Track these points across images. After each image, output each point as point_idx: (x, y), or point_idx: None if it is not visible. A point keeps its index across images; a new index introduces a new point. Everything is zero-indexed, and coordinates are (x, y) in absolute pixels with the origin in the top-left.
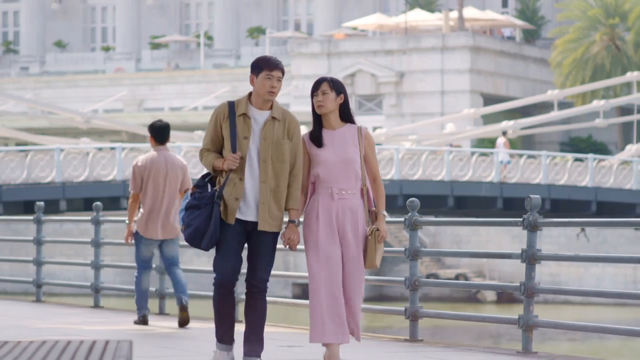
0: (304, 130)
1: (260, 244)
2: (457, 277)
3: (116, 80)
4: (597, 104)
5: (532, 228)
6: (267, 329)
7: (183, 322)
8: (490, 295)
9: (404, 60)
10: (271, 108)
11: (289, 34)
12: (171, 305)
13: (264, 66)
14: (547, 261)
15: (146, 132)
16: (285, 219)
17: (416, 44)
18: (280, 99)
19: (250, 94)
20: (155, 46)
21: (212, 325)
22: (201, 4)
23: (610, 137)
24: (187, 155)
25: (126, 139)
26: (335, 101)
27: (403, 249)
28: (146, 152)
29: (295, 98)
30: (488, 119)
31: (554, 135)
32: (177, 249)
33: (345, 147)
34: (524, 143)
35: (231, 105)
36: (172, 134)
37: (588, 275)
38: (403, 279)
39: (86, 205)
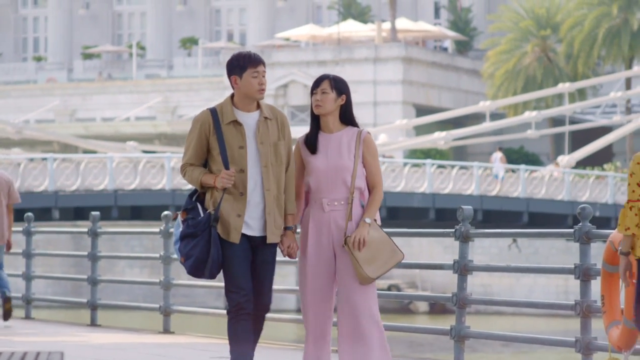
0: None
1: (265, 262)
2: (389, 288)
3: (48, 91)
4: (529, 115)
5: (464, 239)
6: (198, 340)
7: (7, 313)
8: (423, 306)
9: (337, 71)
10: (258, 107)
11: (221, 45)
12: (103, 316)
13: (247, 64)
14: (479, 272)
15: (79, 143)
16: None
17: (349, 54)
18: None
19: (232, 97)
20: (88, 56)
21: (141, 336)
22: (133, 14)
23: (542, 148)
24: (119, 165)
25: (58, 149)
26: (335, 102)
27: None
28: (78, 162)
29: None
30: (420, 130)
31: (486, 146)
32: (2, 254)
33: (339, 154)
34: (456, 154)
35: (214, 114)
36: (104, 144)
37: (520, 286)
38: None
39: (18, 216)
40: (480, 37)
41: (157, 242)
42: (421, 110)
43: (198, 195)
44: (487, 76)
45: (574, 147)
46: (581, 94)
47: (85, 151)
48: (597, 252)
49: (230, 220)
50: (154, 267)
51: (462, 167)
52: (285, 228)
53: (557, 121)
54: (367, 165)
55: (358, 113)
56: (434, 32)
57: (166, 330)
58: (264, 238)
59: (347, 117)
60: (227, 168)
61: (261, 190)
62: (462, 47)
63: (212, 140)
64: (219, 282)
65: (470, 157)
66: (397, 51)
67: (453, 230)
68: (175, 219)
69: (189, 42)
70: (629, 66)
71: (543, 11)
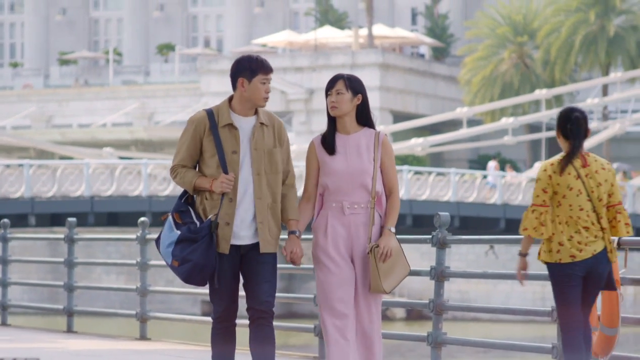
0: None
1: (259, 266)
2: None
3: (24, 97)
4: (506, 121)
5: (441, 245)
6: (175, 346)
7: None
8: (400, 312)
9: (314, 78)
10: (255, 112)
11: (198, 51)
12: (79, 323)
13: (259, 69)
14: (456, 278)
15: (55, 149)
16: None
17: (326, 61)
18: (189, 116)
19: (230, 100)
20: (64, 62)
21: (117, 342)
22: (110, 20)
23: (519, 154)
24: (96, 172)
25: (34, 155)
26: (351, 102)
27: (312, 266)
28: (55, 169)
29: None
30: (397, 136)
31: (462, 153)
32: None
33: (359, 156)
34: (433, 160)
35: (210, 115)
36: (81, 150)
37: (496, 293)
38: (312, 296)
39: None
40: (457, 44)
41: (134, 248)
42: (398, 117)
43: (187, 198)
44: (464, 82)
45: (551, 153)
46: (558, 101)
47: (62, 157)
48: None
49: (219, 229)
50: (131, 274)
51: (439, 174)
52: (290, 233)
53: (534, 127)
54: (385, 168)
55: None
56: (411, 38)
57: (143, 337)
58: (255, 245)
59: (364, 117)
60: (225, 172)
61: (252, 198)
62: (439, 54)
63: (206, 143)
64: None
65: (448, 163)
66: (374, 57)
67: (430, 236)
68: (164, 219)
69: (166, 49)
70: (606, 73)
71: (520, 17)
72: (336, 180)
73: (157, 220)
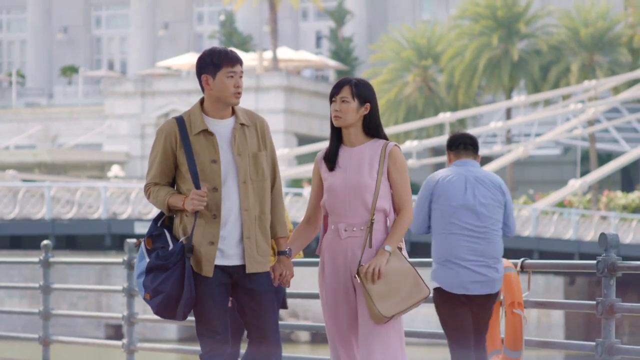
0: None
1: (255, 291)
2: None
3: None
4: (410, 144)
5: None
6: None
7: None
8: (304, 335)
9: None
10: (233, 113)
11: (102, 73)
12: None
13: (222, 62)
14: None
15: None
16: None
17: None
18: (92, 138)
19: (201, 103)
20: None
21: None
22: (13, 42)
23: (423, 177)
24: None
25: None
26: (357, 112)
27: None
28: None
29: (108, 137)
30: (302, 159)
31: None
32: None
33: (360, 170)
34: None
35: (181, 123)
36: None
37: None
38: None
39: None
40: (361, 67)
41: (37, 271)
42: (303, 140)
43: (164, 220)
44: None
45: None
46: (462, 124)
47: None
48: None
49: (202, 250)
50: (34, 297)
51: None
52: (279, 253)
53: (438, 151)
54: (394, 183)
55: None
56: (315, 61)
57: None
58: (243, 268)
59: (372, 128)
60: (197, 187)
61: (238, 210)
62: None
63: (180, 155)
64: (99, 311)
65: None
66: (278, 80)
67: None
68: (137, 246)
69: (70, 71)
70: (509, 96)
71: (424, 41)
72: (332, 199)
73: (61, 243)
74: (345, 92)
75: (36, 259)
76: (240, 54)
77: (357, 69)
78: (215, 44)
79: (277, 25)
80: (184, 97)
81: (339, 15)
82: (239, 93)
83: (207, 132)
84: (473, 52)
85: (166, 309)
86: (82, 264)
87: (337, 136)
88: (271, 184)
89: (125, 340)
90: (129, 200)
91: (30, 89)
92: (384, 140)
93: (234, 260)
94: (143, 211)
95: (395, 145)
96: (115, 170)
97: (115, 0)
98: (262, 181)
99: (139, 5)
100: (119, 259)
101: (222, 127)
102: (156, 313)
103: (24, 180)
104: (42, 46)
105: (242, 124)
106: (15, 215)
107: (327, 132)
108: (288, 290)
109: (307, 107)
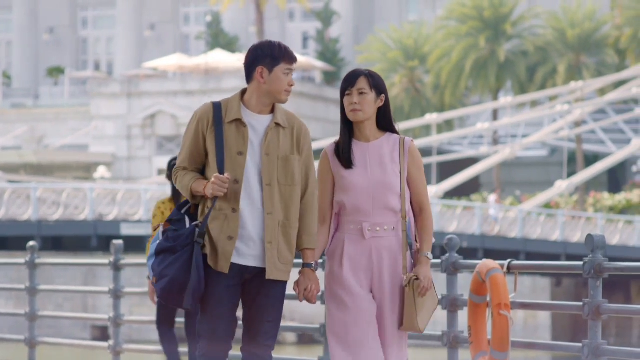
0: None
1: (264, 298)
2: None
3: None
4: None
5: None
6: None
7: None
8: (291, 336)
9: (205, 101)
10: (272, 111)
11: (88, 74)
12: None
13: (282, 57)
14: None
15: None
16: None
17: (217, 84)
18: (79, 139)
19: (243, 93)
20: None
21: None
22: None
23: None
24: None
25: None
26: (374, 104)
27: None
28: None
29: (94, 139)
30: None
31: None
32: None
33: (383, 167)
34: None
35: (217, 108)
36: None
37: None
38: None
39: None
40: (348, 68)
41: (23, 273)
42: None
43: (189, 209)
44: None
45: (442, 177)
46: (448, 125)
47: None
48: (465, 283)
49: (219, 244)
50: (20, 299)
51: None
52: (304, 265)
53: (424, 152)
54: (413, 181)
55: None
56: (302, 62)
57: None
58: (262, 270)
59: (386, 121)
60: (221, 173)
61: (261, 212)
62: (331, 78)
63: (209, 139)
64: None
65: None
66: None
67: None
68: (155, 230)
69: (56, 72)
70: (496, 97)
71: (411, 42)
72: (354, 198)
73: (47, 244)
74: (362, 83)
75: (22, 260)
76: (227, 55)
77: (344, 70)
78: (202, 45)
79: (263, 26)
80: (170, 98)
81: (326, 16)
82: (289, 91)
83: (240, 123)
84: (460, 53)
85: (170, 294)
86: (68, 265)
87: (348, 131)
88: (303, 192)
89: (111, 342)
90: (115, 202)
91: (16, 89)
92: (398, 135)
93: (249, 261)
94: (129, 212)
95: (412, 140)
96: (101, 171)
97: (101, 1)
98: (290, 186)
99: (125, 6)
100: (105, 260)
101: (257, 122)
102: (160, 298)
103: (10, 182)
104: (28, 47)
105: (278, 124)
106: (1, 216)
107: (314, 133)
108: None
109: (294, 108)
